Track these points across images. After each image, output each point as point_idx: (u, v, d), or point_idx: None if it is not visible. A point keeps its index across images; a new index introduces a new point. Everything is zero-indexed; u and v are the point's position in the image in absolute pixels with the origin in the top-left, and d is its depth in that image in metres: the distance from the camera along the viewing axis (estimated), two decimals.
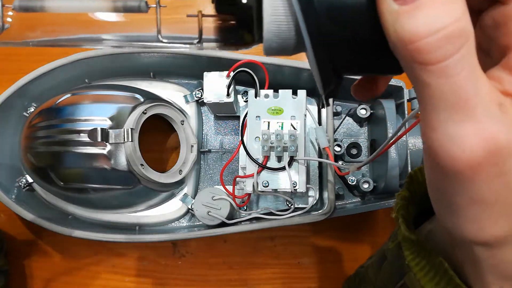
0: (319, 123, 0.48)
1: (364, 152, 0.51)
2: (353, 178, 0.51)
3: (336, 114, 0.52)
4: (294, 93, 0.44)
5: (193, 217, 0.50)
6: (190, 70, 0.50)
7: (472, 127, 0.15)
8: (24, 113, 0.48)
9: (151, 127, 0.46)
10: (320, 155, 0.47)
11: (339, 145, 0.49)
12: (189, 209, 0.49)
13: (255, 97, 0.43)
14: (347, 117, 0.52)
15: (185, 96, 0.50)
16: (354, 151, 0.51)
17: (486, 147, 0.15)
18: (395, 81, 0.45)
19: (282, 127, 0.41)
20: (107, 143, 0.39)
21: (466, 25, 0.15)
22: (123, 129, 0.39)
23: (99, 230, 0.46)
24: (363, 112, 0.50)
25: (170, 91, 0.50)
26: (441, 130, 0.16)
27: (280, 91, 0.42)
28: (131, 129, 0.39)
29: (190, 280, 0.50)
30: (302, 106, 0.41)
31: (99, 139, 0.37)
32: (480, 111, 0.15)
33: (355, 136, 0.52)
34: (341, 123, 0.52)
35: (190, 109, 0.50)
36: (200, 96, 0.50)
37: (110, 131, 0.38)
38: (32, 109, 0.48)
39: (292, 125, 0.41)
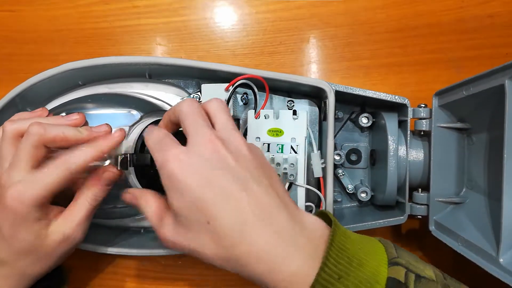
0: (319, 130, 0.47)
1: (364, 159, 0.51)
2: (351, 186, 0.51)
3: (337, 119, 0.51)
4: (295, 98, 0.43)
5: None
6: (187, 70, 0.48)
7: None
8: None
9: None
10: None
11: (338, 154, 0.48)
12: None
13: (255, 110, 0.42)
14: (349, 121, 0.51)
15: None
16: (354, 157, 0.51)
17: None
18: (399, 98, 0.44)
19: (282, 150, 0.40)
20: None
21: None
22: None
23: (104, 231, 0.47)
24: (365, 121, 0.49)
25: (167, 94, 0.48)
26: None
27: (280, 111, 0.41)
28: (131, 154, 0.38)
29: (190, 280, 0.52)
30: (303, 127, 0.40)
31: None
32: None
33: (356, 142, 0.51)
34: (341, 127, 0.51)
35: None
36: (198, 99, 0.48)
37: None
38: None
39: (292, 147, 0.40)
